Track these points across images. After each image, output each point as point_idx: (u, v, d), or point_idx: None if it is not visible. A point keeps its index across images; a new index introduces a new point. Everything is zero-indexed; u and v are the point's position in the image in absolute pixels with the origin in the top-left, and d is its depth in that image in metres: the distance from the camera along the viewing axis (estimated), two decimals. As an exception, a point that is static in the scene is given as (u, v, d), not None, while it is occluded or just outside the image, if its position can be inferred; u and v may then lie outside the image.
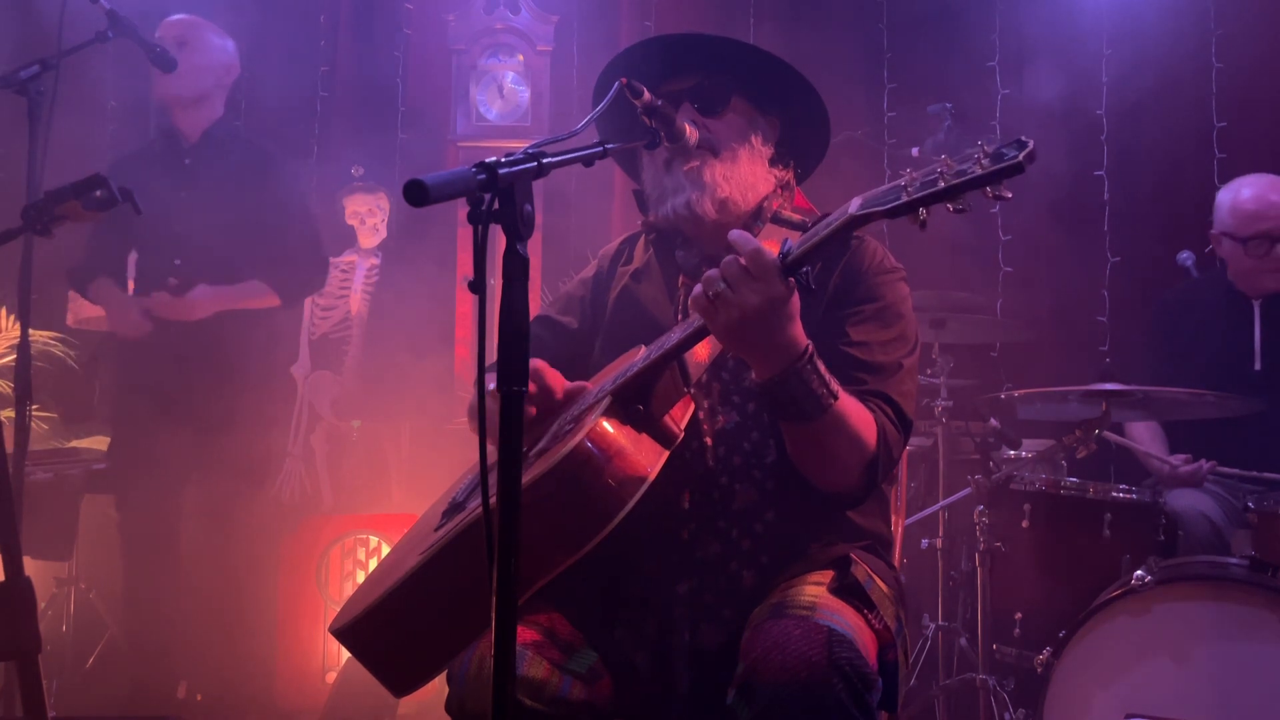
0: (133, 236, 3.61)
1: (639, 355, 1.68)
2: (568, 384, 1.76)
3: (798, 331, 1.56)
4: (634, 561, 1.74)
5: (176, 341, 3.42)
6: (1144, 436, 3.52)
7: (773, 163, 1.91)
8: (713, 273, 1.52)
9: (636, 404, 1.60)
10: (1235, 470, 3.26)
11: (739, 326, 1.51)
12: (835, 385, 1.62)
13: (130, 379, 3.53)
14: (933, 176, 1.35)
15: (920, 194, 1.36)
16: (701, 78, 1.88)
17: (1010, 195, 1.31)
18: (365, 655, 1.63)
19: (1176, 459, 3.31)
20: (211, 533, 3.46)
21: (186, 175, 3.53)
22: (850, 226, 1.45)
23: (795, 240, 1.51)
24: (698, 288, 1.53)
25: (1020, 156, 1.28)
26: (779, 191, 1.91)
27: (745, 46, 1.92)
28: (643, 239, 2.05)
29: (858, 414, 1.66)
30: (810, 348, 1.58)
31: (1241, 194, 3.46)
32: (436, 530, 1.68)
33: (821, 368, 1.60)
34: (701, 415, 1.77)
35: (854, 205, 1.45)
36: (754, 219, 1.87)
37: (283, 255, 3.58)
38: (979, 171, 1.31)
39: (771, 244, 1.52)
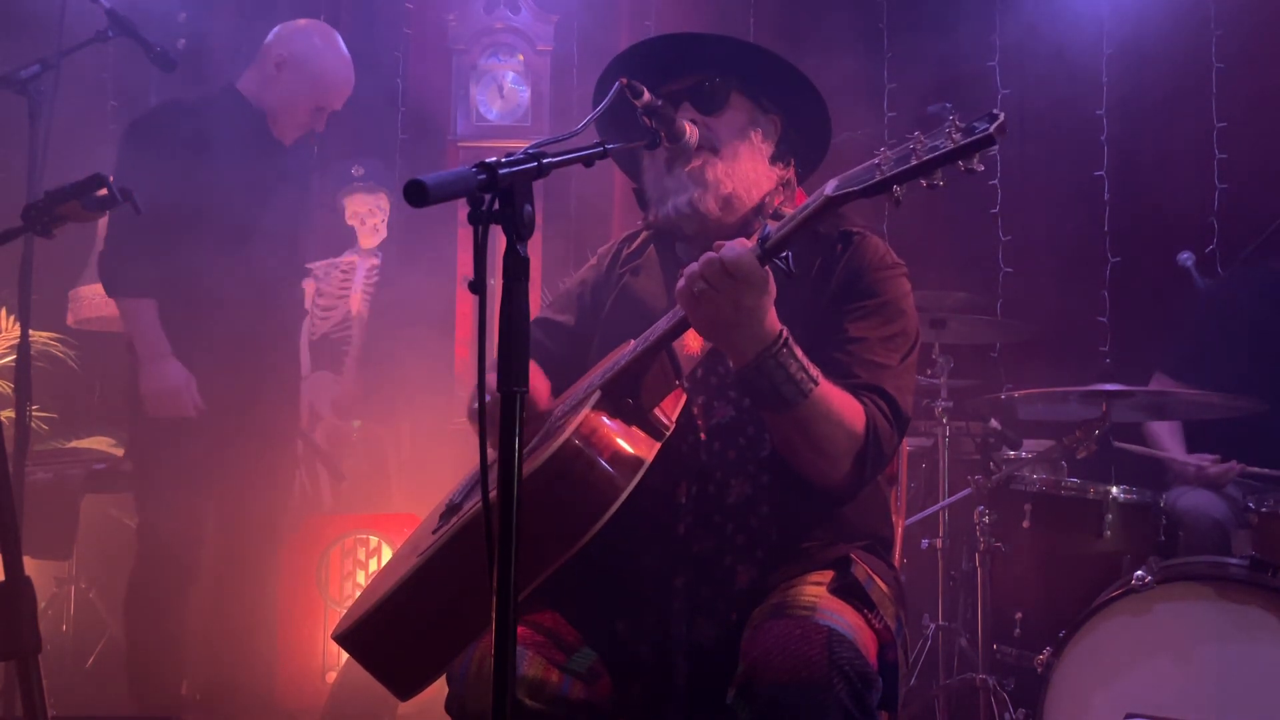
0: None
1: (627, 349, 1.68)
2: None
3: (771, 318, 1.57)
4: (632, 556, 1.74)
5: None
6: (1164, 434, 3.47)
7: (773, 160, 1.91)
8: (692, 268, 1.54)
9: (626, 397, 1.60)
10: (1265, 471, 3.22)
11: (714, 319, 1.53)
12: (815, 371, 1.61)
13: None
14: (906, 154, 1.37)
15: (894, 171, 1.38)
16: (700, 78, 1.88)
17: (982, 168, 1.34)
18: (367, 660, 1.63)
19: (1205, 459, 3.27)
20: (221, 536, 3.45)
21: (282, 174, 3.50)
22: (827, 208, 1.46)
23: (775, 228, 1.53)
24: (681, 281, 1.55)
25: (991, 129, 1.31)
26: (780, 189, 1.91)
27: (742, 44, 1.93)
28: (643, 235, 2.05)
29: (842, 403, 1.65)
30: (785, 333, 1.58)
31: None
32: (434, 533, 1.69)
33: (799, 353, 1.59)
34: (696, 409, 1.77)
35: (829, 187, 1.47)
36: (755, 214, 1.87)
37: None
38: (950, 146, 1.34)
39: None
